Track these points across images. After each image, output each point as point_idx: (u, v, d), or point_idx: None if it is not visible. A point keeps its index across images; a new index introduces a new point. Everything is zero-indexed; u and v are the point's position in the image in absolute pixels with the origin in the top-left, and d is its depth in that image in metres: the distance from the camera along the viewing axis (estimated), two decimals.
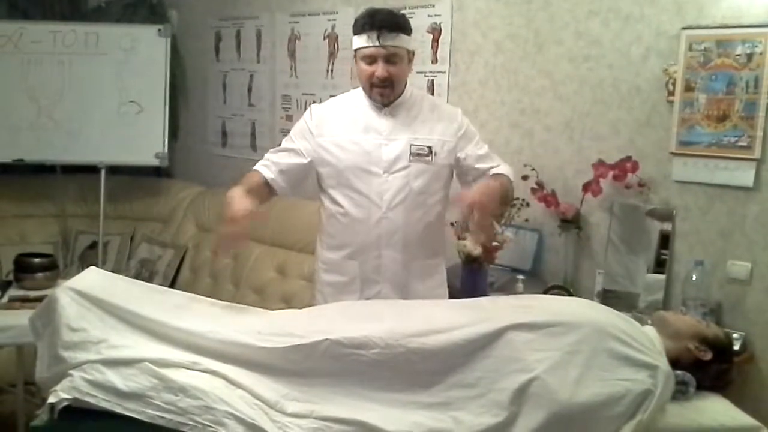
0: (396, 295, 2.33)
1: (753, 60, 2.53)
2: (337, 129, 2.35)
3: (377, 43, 2.22)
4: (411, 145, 2.30)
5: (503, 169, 2.38)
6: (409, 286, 2.35)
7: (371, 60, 2.25)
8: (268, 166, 2.37)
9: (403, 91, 2.34)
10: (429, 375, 1.79)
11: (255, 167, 2.39)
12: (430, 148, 2.32)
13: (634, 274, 2.83)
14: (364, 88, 2.34)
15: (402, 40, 2.25)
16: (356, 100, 2.39)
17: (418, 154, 2.31)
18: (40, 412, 1.79)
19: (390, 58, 2.24)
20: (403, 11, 3.43)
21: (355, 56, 2.31)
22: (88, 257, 4.12)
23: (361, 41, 2.25)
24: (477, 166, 2.37)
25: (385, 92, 2.29)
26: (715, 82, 2.62)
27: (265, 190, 2.36)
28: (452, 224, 2.86)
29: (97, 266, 2.34)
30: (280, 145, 2.45)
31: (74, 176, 4.23)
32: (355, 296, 2.34)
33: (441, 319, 1.89)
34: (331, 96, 3.71)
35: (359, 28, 2.25)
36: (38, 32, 3.96)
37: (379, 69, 2.24)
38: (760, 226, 2.58)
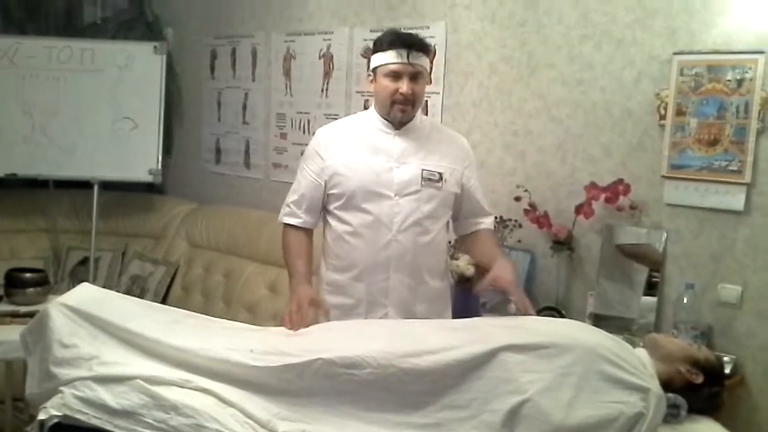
0: (401, 318, 2.31)
1: (743, 86, 2.56)
2: (346, 150, 2.34)
3: (406, 60, 2.24)
4: (423, 170, 2.31)
5: (490, 222, 2.49)
6: (415, 309, 2.34)
7: (396, 77, 2.25)
8: (294, 213, 2.39)
9: (414, 115, 2.36)
10: (421, 396, 1.79)
11: (285, 221, 2.42)
12: (440, 174, 2.33)
13: (626, 297, 2.84)
14: (383, 106, 2.32)
15: (425, 61, 2.30)
16: (364, 121, 2.40)
17: (429, 179, 2.32)
18: (29, 429, 1.78)
19: (415, 76, 2.26)
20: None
21: (373, 74, 2.31)
22: (79, 273, 4.10)
23: (387, 58, 2.25)
24: (477, 198, 2.45)
25: (407, 109, 2.29)
26: (706, 107, 2.65)
27: (306, 241, 2.41)
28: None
29: (88, 282, 2.34)
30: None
31: (67, 191, 4.22)
32: (361, 318, 2.32)
33: (434, 339, 1.90)
34: (326, 115, 3.82)
35: (386, 45, 2.26)
36: (34, 48, 3.97)
37: (405, 86, 2.25)
38: (750, 249, 2.60)
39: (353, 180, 2.30)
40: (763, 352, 2.59)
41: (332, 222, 2.38)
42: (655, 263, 2.78)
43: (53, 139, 3.96)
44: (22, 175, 3.99)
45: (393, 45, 2.25)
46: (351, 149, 2.34)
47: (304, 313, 2.13)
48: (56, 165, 3.97)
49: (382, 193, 2.29)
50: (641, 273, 2.82)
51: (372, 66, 2.32)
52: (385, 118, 2.34)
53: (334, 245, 2.38)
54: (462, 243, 2.59)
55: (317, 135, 2.42)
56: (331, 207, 2.36)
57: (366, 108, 3.59)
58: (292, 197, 2.41)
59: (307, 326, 2.11)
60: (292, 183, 3.94)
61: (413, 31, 2.41)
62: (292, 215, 2.39)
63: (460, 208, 2.45)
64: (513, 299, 2.23)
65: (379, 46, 2.29)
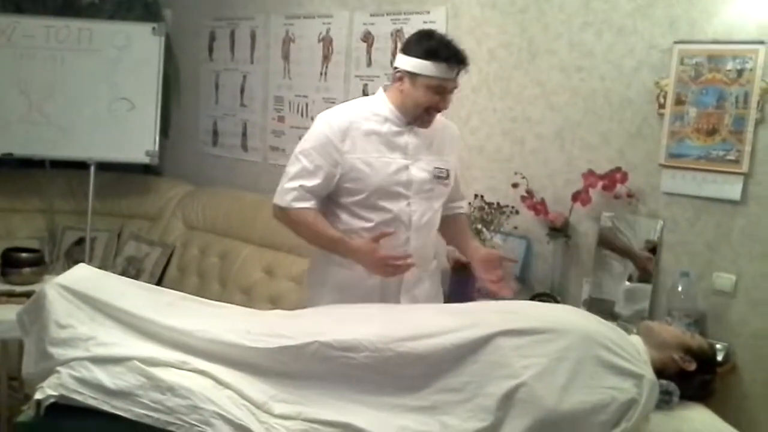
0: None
1: (743, 76, 2.56)
2: (364, 144, 2.24)
3: (454, 77, 2.19)
4: (434, 167, 2.30)
5: (466, 206, 2.55)
6: (417, 292, 2.36)
7: (441, 90, 2.18)
8: (305, 198, 2.24)
9: None
10: (417, 379, 1.81)
11: (297, 206, 2.24)
12: (447, 171, 2.34)
13: (621, 284, 2.85)
14: (412, 112, 2.23)
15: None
16: (377, 112, 2.28)
17: (439, 177, 2.31)
18: (26, 408, 1.78)
19: (453, 90, 2.23)
20: (398, 17, 3.50)
21: (412, 78, 2.19)
22: (75, 253, 4.10)
23: (437, 71, 2.15)
24: (458, 187, 2.50)
25: (433, 119, 2.26)
26: (705, 97, 2.65)
27: (321, 215, 2.29)
28: None
29: (84, 262, 2.34)
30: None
31: (63, 171, 4.21)
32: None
33: (430, 323, 1.91)
34: (324, 99, 3.81)
35: (441, 57, 2.14)
36: (31, 27, 3.94)
37: (446, 102, 2.22)
38: (746, 239, 2.61)
39: (373, 178, 2.22)
40: (755, 340, 2.61)
41: (345, 216, 2.29)
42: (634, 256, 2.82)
43: (50, 119, 3.94)
44: (19, 154, 3.98)
45: (449, 60, 2.15)
46: (368, 144, 2.24)
47: (389, 255, 2.16)
48: (53, 145, 3.95)
49: (400, 192, 2.25)
50: (636, 261, 2.83)
51: (411, 70, 2.19)
52: (402, 115, 2.27)
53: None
54: (440, 224, 2.54)
55: (330, 122, 2.26)
56: (345, 200, 2.27)
57: (365, 93, 3.62)
58: (302, 181, 2.23)
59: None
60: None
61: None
62: (304, 199, 2.24)
63: None
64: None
65: (428, 54, 2.15)
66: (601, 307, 2.80)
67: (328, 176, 2.23)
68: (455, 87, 2.23)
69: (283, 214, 2.28)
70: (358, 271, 2.27)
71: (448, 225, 2.50)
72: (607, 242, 2.88)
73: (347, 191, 2.26)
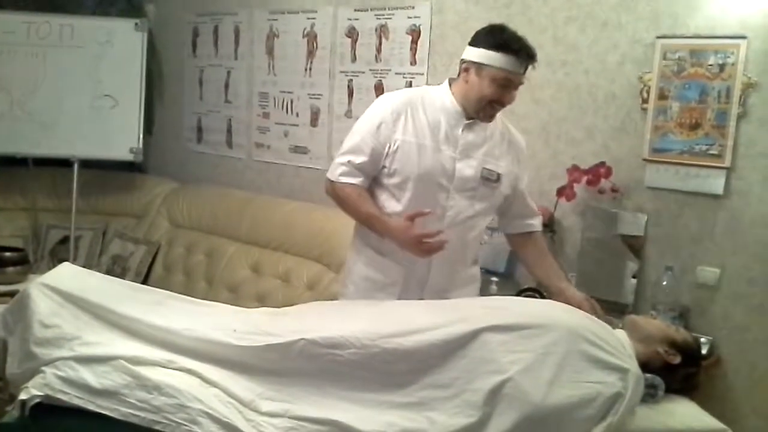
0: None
1: (725, 70, 2.58)
2: (417, 129, 2.20)
3: (522, 72, 2.14)
4: (483, 168, 2.23)
5: (539, 223, 2.45)
6: (449, 295, 2.29)
7: (507, 84, 2.13)
8: (353, 174, 2.23)
9: None
10: (404, 375, 1.81)
11: (343, 180, 2.23)
12: (499, 175, 2.26)
13: (606, 278, 2.87)
14: (475, 104, 2.18)
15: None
16: (438, 102, 2.24)
17: (488, 179, 2.24)
18: (10, 409, 1.77)
19: (518, 86, 2.17)
20: (382, 13, 3.50)
21: (478, 69, 2.15)
22: (59, 252, 4.07)
23: (507, 63, 2.10)
24: (527, 200, 2.41)
25: (495, 114, 2.22)
26: (688, 91, 2.67)
27: (366, 192, 2.27)
28: None
29: (68, 261, 2.32)
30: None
31: (46, 169, 4.17)
32: (393, 298, 2.27)
33: (417, 319, 1.91)
34: (309, 95, 3.80)
35: (510, 50, 2.10)
36: (12, 23, 3.90)
37: (512, 97, 2.17)
38: (729, 232, 2.64)
39: (418, 163, 2.19)
40: (738, 333, 2.64)
41: (384, 196, 2.25)
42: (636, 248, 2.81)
43: (32, 116, 3.91)
44: (1, 152, 3.94)
45: (519, 53, 2.10)
46: (421, 129, 2.20)
47: (422, 233, 2.10)
48: (35, 143, 3.92)
49: (441, 184, 2.20)
50: (621, 255, 2.85)
51: (480, 60, 2.14)
52: (463, 109, 2.22)
53: None
54: (511, 242, 2.52)
55: (388, 103, 2.24)
56: (387, 182, 2.24)
57: (350, 88, 3.61)
58: (351, 157, 2.22)
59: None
60: (274, 163, 4.02)
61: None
62: (351, 175, 2.23)
63: (510, 208, 2.39)
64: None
65: (499, 46, 2.11)
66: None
67: (375, 154, 2.21)
68: (521, 83, 2.17)
69: (332, 187, 2.28)
70: (386, 255, 2.26)
71: (525, 245, 2.44)
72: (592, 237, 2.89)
73: (390, 172, 2.22)
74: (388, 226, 2.19)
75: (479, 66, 2.15)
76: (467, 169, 2.22)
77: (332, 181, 2.27)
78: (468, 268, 2.39)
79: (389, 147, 2.20)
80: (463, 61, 2.22)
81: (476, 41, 2.19)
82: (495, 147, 2.27)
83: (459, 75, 2.24)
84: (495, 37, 2.14)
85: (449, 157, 2.21)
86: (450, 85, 2.27)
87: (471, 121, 2.22)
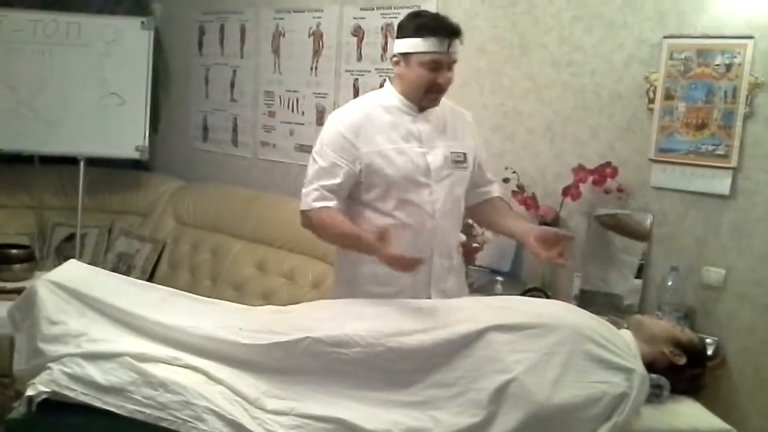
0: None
1: (732, 70, 2.57)
2: (378, 138, 2.20)
3: (446, 50, 2.12)
4: (451, 152, 2.25)
5: (497, 189, 2.45)
6: (447, 287, 2.30)
7: (436, 66, 2.13)
8: (327, 198, 2.17)
9: None
10: (409, 374, 1.81)
11: (319, 206, 2.16)
12: (464, 154, 2.28)
13: (611, 278, 2.87)
14: (415, 94, 2.20)
15: (459, 48, 2.19)
16: (385, 103, 2.25)
17: (457, 161, 2.26)
18: (17, 405, 1.78)
19: (451, 66, 2.17)
20: (388, 12, 3.50)
21: (405, 59, 2.17)
22: (65, 250, 4.08)
23: (427, 46, 2.11)
24: (483, 172, 2.41)
25: (439, 98, 2.22)
26: (694, 91, 2.66)
27: (340, 213, 2.20)
28: None
29: (74, 259, 2.33)
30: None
31: (52, 167, 4.18)
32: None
33: (422, 318, 1.91)
34: (315, 94, 3.80)
35: (427, 31, 2.11)
36: (19, 21, 3.91)
37: (445, 77, 2.16)
38: (734, 233, 2.63)
39: (393, 170, 2.18)
40: (744, 334, 2.63)
41: (369, 213, 2.23)
42: (641, 236, 2.81)
43: (39, 114, 3.92)
44: (7, 150, 3.95)
45: (436, 32, 2.10)
46: (382, 136, 2.20)
47: (398, 255, 2.01)
48: (41, 141, 3.93)
49: (420, 181, 2.20)
50: (627, 255, 2.84)
51: (404, 50, 2.16)
52: (410, 102, 2.23)
53: None
54: (472, 213, 2.51)
55: (342, 120, 2.22)
56: (367, 198, 2.22)
57: (356, 88, 3.61)
58: (320, 182, 2.18)
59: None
60: (280, 161, 4.02)
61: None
62: (325, 199, 2.17)
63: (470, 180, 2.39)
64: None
65: (417, 31, 2.12)
66: (591, 301, 2.81)
67: (348, 174, 2.18)
68: (452, 62, 2.17)
69: (307, 218, 2.21)
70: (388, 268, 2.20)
71: (486, 211, 2.45)
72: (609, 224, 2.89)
73: (368, 187, 2.21)
74: (371, 244, 2.09)
75: (406, 56, 2.17)
76: (437, 158, 2.23)
77: (307, 211, 2.20)
78: (457, 256, 2.39)
79: (359, 164, 2.18)
80: (393, 57, 2.23)
81: (399, 33, 2.21)
82: (452, 128, 2.30)
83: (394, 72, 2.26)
84: (412, 23, 2.16)
85: (418, 152, 2.22)
86: (391, 83, 2.28)
87: (423, 111, 2.24)
